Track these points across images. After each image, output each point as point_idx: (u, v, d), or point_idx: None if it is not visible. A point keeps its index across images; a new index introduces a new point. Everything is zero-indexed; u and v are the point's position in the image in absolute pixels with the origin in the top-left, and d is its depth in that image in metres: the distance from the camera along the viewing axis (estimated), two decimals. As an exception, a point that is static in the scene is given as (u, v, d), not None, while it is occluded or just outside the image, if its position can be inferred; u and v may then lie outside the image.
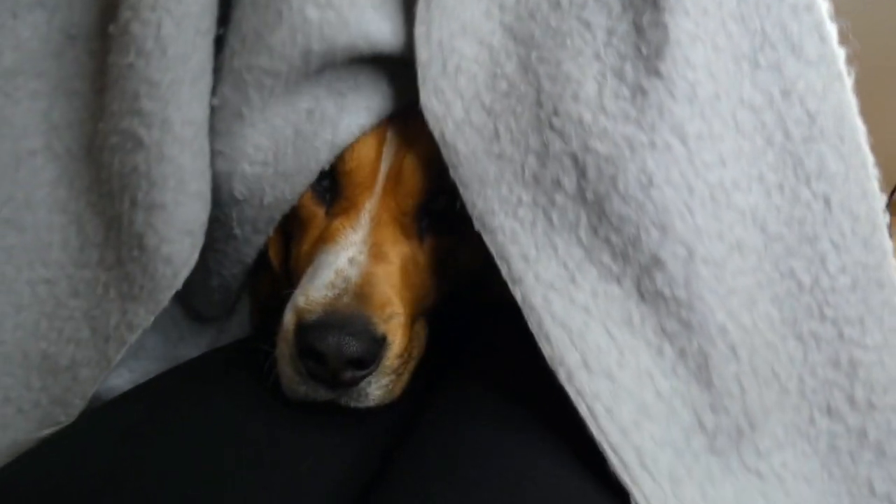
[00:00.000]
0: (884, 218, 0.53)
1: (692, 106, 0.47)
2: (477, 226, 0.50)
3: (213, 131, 0.55)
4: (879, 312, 0.52)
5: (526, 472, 0.46)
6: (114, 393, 0.58)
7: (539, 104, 0.49)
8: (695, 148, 0.47)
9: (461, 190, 0.51)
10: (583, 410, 0.46)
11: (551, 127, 0.48)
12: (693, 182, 0.47)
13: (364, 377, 0.53)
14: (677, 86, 0.47)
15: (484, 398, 0.54)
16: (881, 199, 0.52)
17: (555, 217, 0.49)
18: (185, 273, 0.54)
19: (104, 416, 0.55)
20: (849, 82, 0.52)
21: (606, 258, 0.48)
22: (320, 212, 0.61)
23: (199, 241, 0.55)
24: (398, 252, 0.59)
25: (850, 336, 0.51)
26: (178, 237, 0.53)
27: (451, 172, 0.51)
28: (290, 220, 0.62)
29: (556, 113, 0.48)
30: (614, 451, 0.45)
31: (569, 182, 0.48)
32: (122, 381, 0.60)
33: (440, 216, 0.61)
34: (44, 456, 0.51)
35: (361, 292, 0.54)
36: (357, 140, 0.57)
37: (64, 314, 0.56)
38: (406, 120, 0.58)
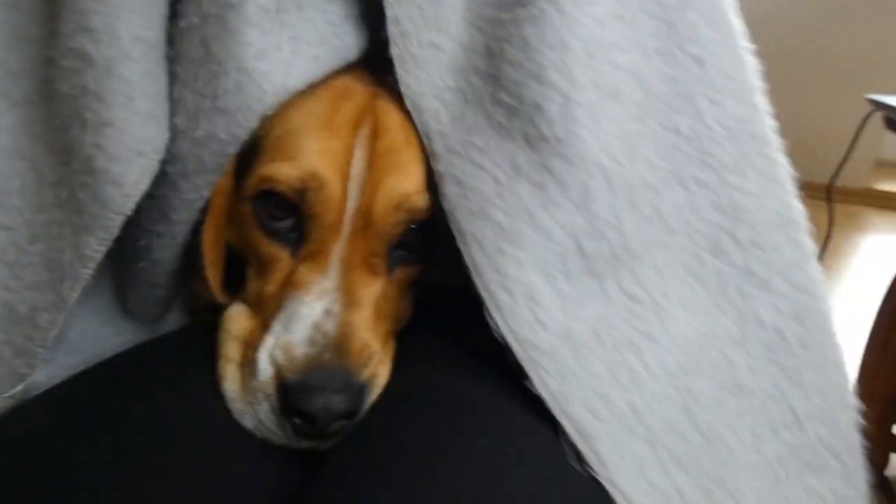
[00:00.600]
0: (759, 82, 0.60)
1: None
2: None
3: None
4: (756, 161, 0.57)
5: (457, 468, 0.46)
6: (37, 389, 0.57)
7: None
8: (570, 12, 0.53)
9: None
10: (464, 251, 0.53)
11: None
12: (568, 40, 0.53)
13: (348, 425, 0.54)
14: None
15: (416, 392, 0.54)
16: (755, 66, 0.59)
17: (469, 94, 0.55)
18: (135, 197, 0.52)
19: (21, 414, 0.54)
20: None
21: (502, 118, 0.54)
22: (284, 254, 0.59)
23: (153, 166, 0.53)
24: (370, 294, 0.59)
25: (731, 182, 0.57)
26: (127, 156, 0.52)
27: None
28: (245, 252, 0.62)
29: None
30: (478, 272, 0.52)
31: (481, 63, 0.56)
32: (43, 377, 0.58)
33: (409, 248, 0.61)
34: None
35: (340, 344, 0.55)
36: (319, 180, 0.56)
37: (24, 261, 0.55)
38: (371, 159, 0.57)
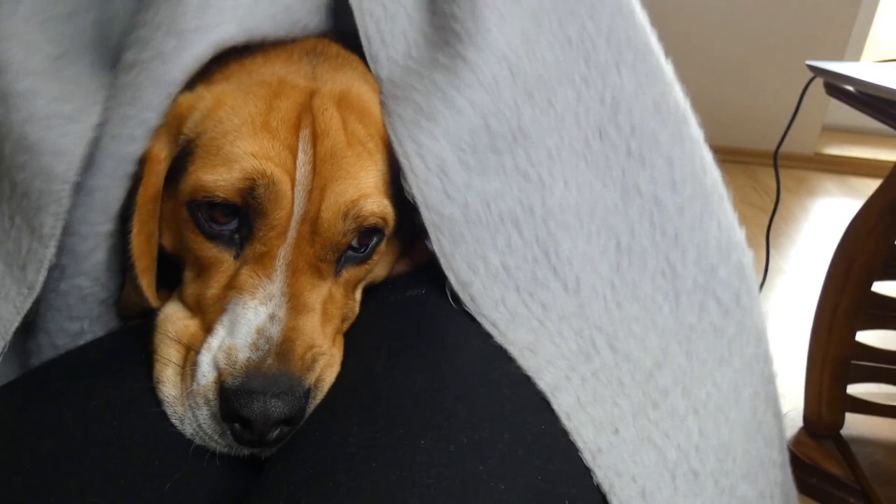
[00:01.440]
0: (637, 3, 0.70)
1: None
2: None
3: None
4: (631, 61, 0.66)
5: (397, 473, 0.44)
6: None
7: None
8: None
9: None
10: (389, 129, 0.59)
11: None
12: None
13: (291, 432, 0.53)
14: None
15: (352, 396, 0.53)
16: None
17: (411, 20, 0.63)
18: (76, 163, 0.53)
19: None
20: None
21: (430, 31, 0.63)
22: (227, 256, 0.58)
23: (87, 132, 0.54)
24: (317, 296, 0.58)
25: (610, 80, 0.66)
26: (59, 123, 0.53)
27: None
28: (181, 255, 0.60)
29: None
30: (400, 145, 0.58)
31: None
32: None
33: (356, 249, 0.61)
34: None
35: (284, 350, 0.54)
36: (268, 178, 0.55)
37: None
38: (315, 163, 0.57)
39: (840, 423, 1.59)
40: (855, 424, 1.60)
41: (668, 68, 0.69)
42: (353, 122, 0.59)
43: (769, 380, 0.66)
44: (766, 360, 0.67)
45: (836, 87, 1.42)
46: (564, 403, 0.54)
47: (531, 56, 0.63)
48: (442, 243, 0.58)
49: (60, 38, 0.57)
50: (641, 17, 0.70)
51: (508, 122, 0.61)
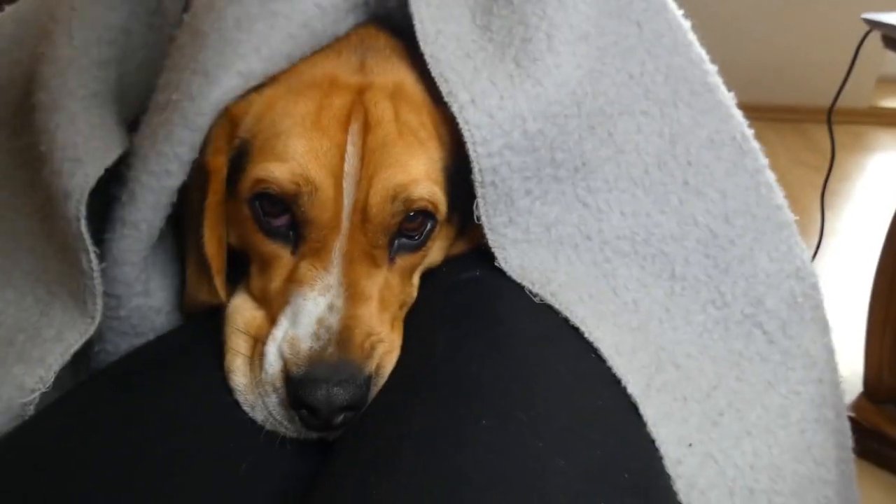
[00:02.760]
0: (693, 38, 0.73)
1: None
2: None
3: None
4: (687, 98, 0.70)
5: (460, 452, 0.46)
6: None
7: None
8: None
9: None
10: (466, 136, 0.59)
11: None
12: None
13: (355, 416, 0.55)
14: None
15: (413, 379, 0.55)
16: (686, 27, 0.73)
17: (472, 38, 0.64)
18: (95, 172, 0.56)
19: (39, 423, 0.55)
20: None
21: (498, 36, 0.64)
22: (284, 252, 0.60)
23: (96, 174, 0.57)
24: (373, 284, 0.60)
25: (668, 113, 0.69)
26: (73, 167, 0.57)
27: None
28: (246, 250, 0.63)
29: None
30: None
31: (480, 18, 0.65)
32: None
33: (410, 236, 0.63)
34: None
35: (343, 338, 0.57)
36: (312, 184, 0.57)
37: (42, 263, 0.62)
38: (364, 154, 0.59)
39: (903, 385, 1.56)
40: (917, 387, 1.58)
41: (726, 102, 0.72)
42: (405, 112, 0.60)
43: (822, 403, 0.69)
44: (819, 383, 0.69)
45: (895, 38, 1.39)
46: (651, 413, 0.57)
47: (596, 91, 0.66)
48: (510, 262, 0.62)
49: (93, 81, 0.61)
50: (699, 52, 0.73)
51: (571, 154, 0.64)
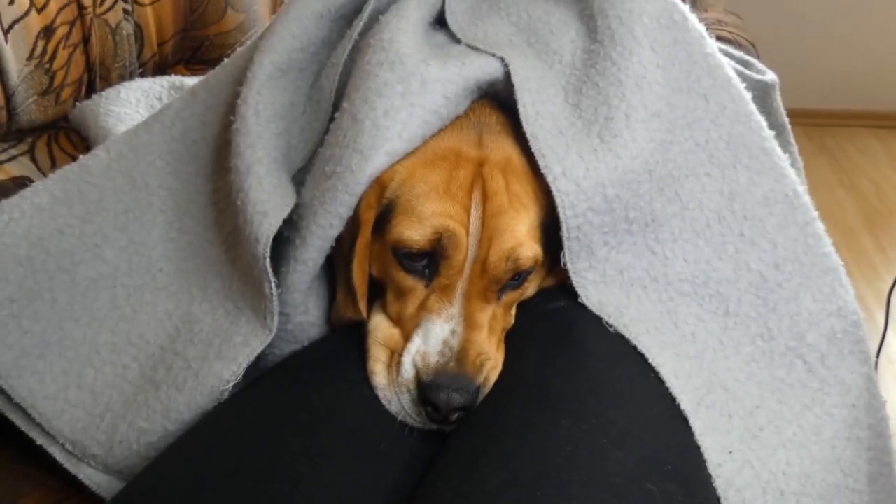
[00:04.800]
0: (752, 108, 0.86)
1: None
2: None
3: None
4: (746, 161, 0.84)
5: (546, 443, 0.63)
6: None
7: None
8: (623, 61, 0.80)
9: None
10: (558, 201, 0.74)
11: None
12: (623, 79, 0.80)
13: (466, 414, 0.73)
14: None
15: (511, 388, 0.73)
16: (747, 98, 0.86)
17: (562, 115, 0.79)
18: (268, 249, 0.73)
19: (231, 408, 0.75)
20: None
21: (586, 114, 0.79)
22: (419, 285, 0.78)
23: (276, 224, 0.74)
24: (485, 316, 0.77)
25: (728, 175, 0.83)
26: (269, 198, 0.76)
27: None
28: (384, 281, 0.81)
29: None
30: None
31: (571, 96, 0.82)
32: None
33: (515, 279, 0.79)
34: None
35: (461, 356, 0.74)
36: (451, 232, 0.74)
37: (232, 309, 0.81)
38: (484, 218, 0.75)
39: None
40: None
41: (781, 164, 0.85)
42: (513, 182, 0.77)
43: (854, 424, 0.80)
44: (853, 407, 0.81)
45: None
46: (699, 426, 0.72)
47: (665, 158, 0.80)
48: (591, 298, 0.77)
49: (273, 150, 0.80)
50: (758, 120, 0.86)
51: (643, 212, 0.79)
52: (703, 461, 0.70)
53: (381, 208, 0.77)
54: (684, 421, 0.71)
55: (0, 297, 0.81)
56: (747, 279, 0.82)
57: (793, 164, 1.11)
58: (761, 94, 1.15)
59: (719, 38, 1.83)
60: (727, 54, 1.18)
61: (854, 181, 3.03)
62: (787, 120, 1.19)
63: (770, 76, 1.19)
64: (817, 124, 3.52)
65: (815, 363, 0.82)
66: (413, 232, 0.74)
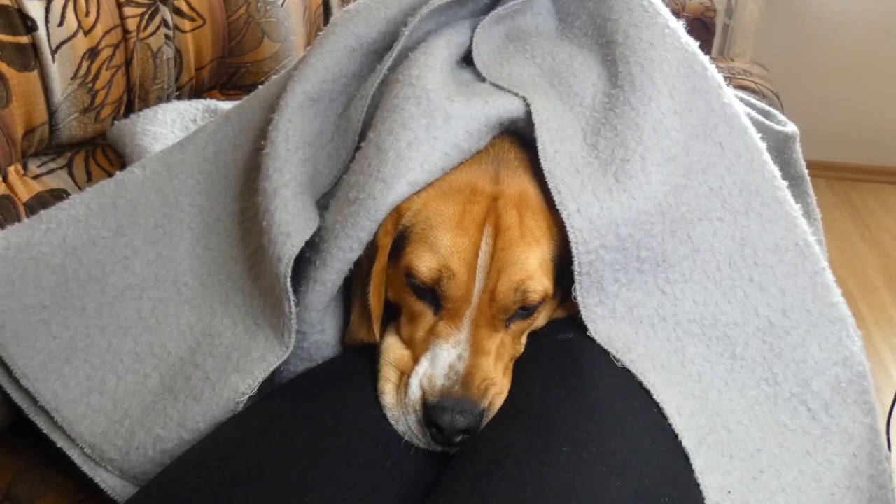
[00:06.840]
0: (767, 157, 0.89)
1: None
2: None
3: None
4: (758, 208, 0.86)
5: (547, 468, 0.64)
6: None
7: None
8: (642, 106, 0.83)
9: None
10: (571, 238, 0.77)
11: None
12: (641, 123, 0.82)
13: (470, 437, 0.75)
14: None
15: (516, 414, 0.74)
16: (762, 148, 0.89)
17: (580, 155, 0.81)
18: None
19: (240, 422, 0.78)
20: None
21: (603, 155, 0.81)
22: (429, 312, 0.81)
23: (298, 247, 0.77)
24: (492, 343, 0.80)
25: (740, 221, 0.85)
26: (293, 220, 0.78)
27: None
28: (399, 304, 0.84)
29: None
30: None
31: (590, 137, 0.84)
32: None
33: (523, 309, 0.81)
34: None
35: (466, 381, 0.76)
36: (450, 271, 0.77)
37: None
38: (494, 252, 0.78)
39: None
40: None
41: (793, 213, 0.88)
42: (527, 217, 0.79)
43: (855, 473, 0.82)
44: (854, 457, 0.82)
45: None
46: (699, 464, 0.73)
47: (679, 201, 0.83)
48: (599, 332, 0.79)
49: (300, 175, 0.83)
50: (772, 170, 0.89)
51: (654, 252, 0.81)
52: (702, 499, 0.71)
53: (397, 235, 0.80)
54: (685, 457, 0.73)
55: (33, 303, 0.85)
56: (755, 324, 0.84)
57: (809, 215, 1.13)
58: (780, 144, 1.17)
59: (744, 88, 1.88)
60: (749, 104, 1.21)
61: (876, 237, 3.03)
62: (805, 171, 1.21)
63: (790, 127, 1.22)
64: (842, 178, 3.54)
65: (819, 411, 0.83)
66: (421, 263, 0.78)
